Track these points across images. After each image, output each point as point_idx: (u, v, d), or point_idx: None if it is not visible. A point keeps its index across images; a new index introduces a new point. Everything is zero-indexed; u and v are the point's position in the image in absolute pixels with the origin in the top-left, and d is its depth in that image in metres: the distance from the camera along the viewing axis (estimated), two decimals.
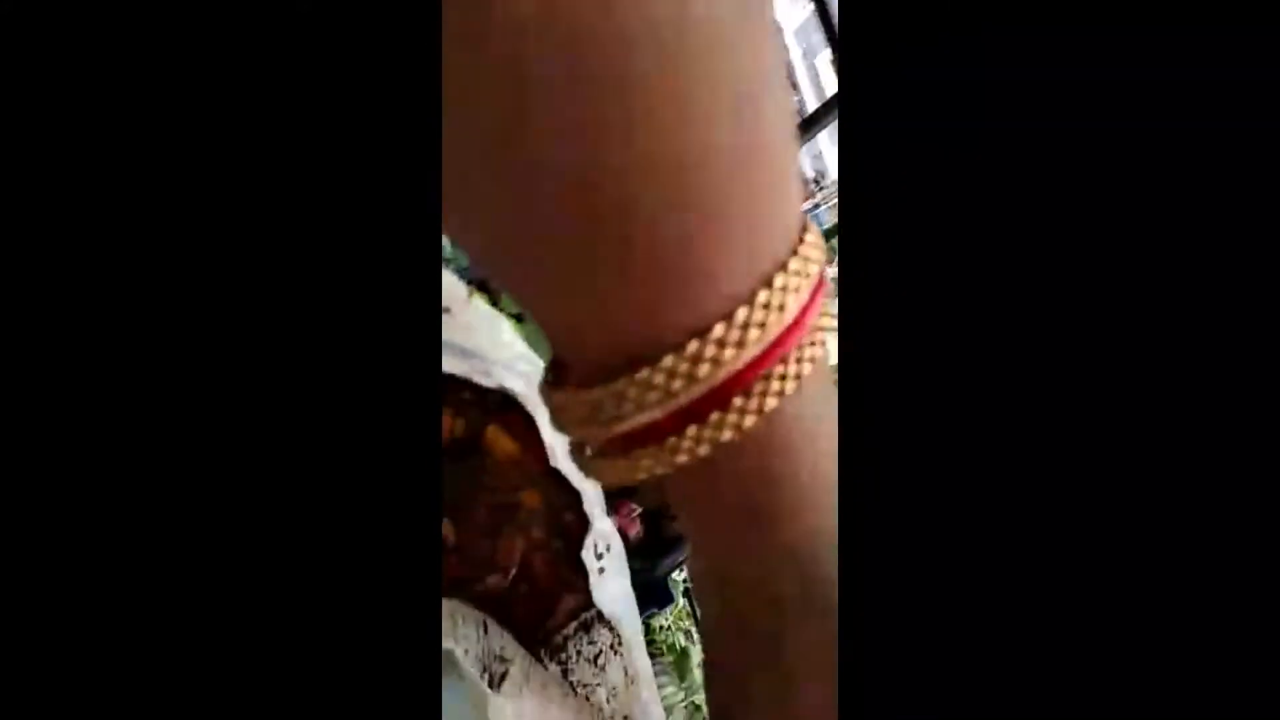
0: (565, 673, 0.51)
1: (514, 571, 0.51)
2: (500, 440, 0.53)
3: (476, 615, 0.48)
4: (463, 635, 0.46)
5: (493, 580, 0.50)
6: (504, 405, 0.53)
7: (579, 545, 0.53)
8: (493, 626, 0.48)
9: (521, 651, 0.48)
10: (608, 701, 0.50)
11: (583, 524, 0.54)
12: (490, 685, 0.45)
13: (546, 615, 0.51)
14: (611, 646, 0.52)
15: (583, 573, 0.53)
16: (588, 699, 0.50)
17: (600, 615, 0.53)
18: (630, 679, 0.49)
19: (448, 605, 0.47)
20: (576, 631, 0.53)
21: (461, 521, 0.50)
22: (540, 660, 0.51)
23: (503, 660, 0.47)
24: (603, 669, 0.51)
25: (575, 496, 0.54)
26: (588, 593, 0.53)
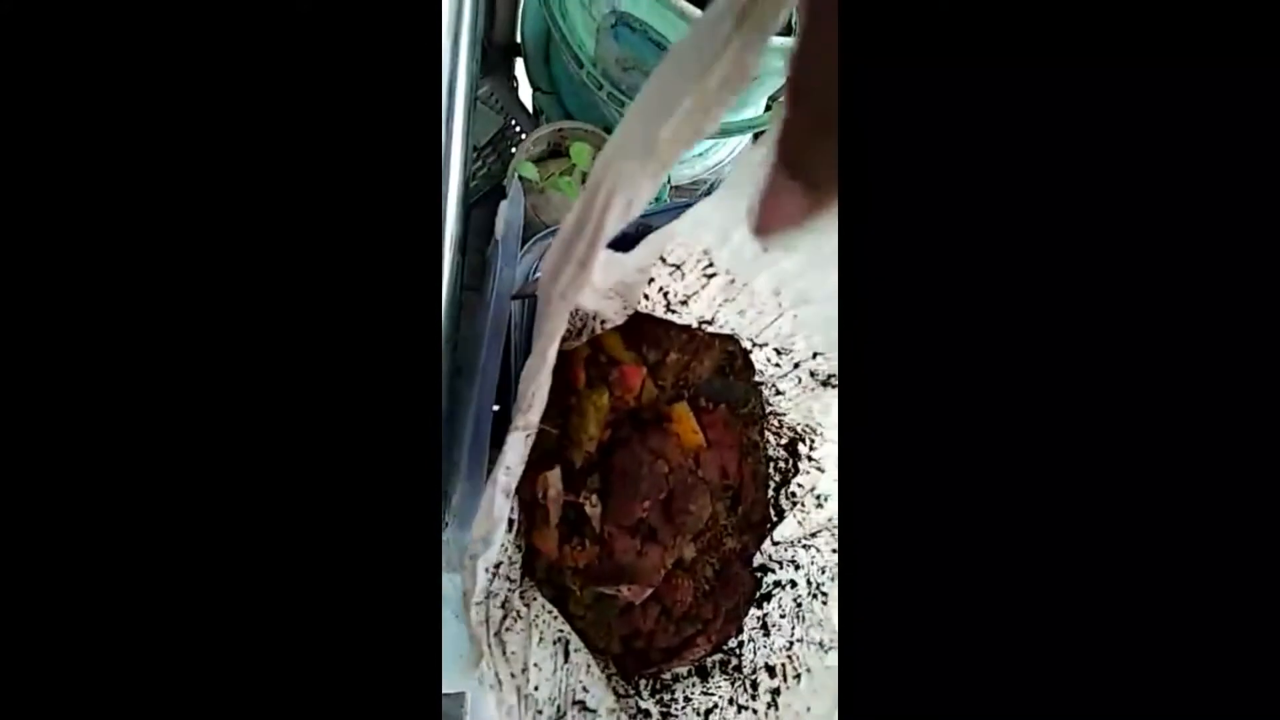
0: (665, 717, 0.41)
1: (651, 591, 0.40)
2: (686, 423, 0.41)
3: (560, 632, 0.37)
4: (535, 660, 0.35)
5: (625, 590, 0.39)
6: (715, 388, 0.40)
7: (736, 583, 0.42)
8: (579, 654, 0.38)
9: (610, 700, 0.38)
10: None
11: (747, 561, 0.42)
12: None
13: (668, 654, 0.41)
14: (733, 701, 0.41)
15: (730, 615, 0.42)
16: None
17: (726, 665, 0.42)
18: None
19: (532, 609, 0.37)
20: (690, 674, 0.42)
21: (614, 509, 0.39)
22: (635, 692, 0.41)
23: (584, 710, 0.37)
24: None
25: (760, 523, 0.42)
26: (725, 636, 0.42)
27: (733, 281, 0.28)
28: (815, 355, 0.34)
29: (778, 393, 0.39)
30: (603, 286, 0.29)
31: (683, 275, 0.28)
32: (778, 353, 0.34)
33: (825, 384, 0.37)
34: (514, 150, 0.66)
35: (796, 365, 0.36)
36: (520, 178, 0.59)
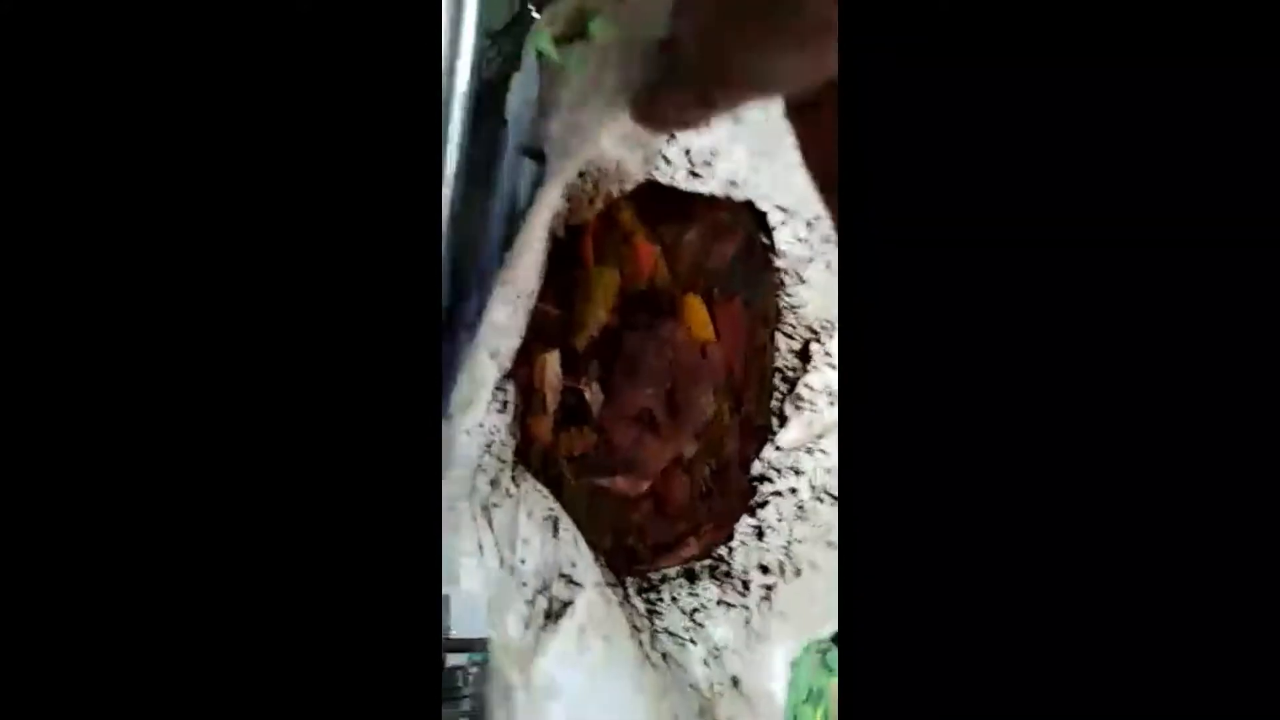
0: (651, 615, 0.40)
1: (647, 485, 0.38)
2: (698, 315, 0.39)
3: (550, 510, 0.36)
4: (523, 535, 0.34)
5: (621, 482, 0.38)
6: (732, 277, 0.38)
7: (734, 488, 0.41)
8: (568, 532, 0.36)
9: (596, 576, 0.36)
10: (705, 664, 0.38)
11: (746, 466, 0.40)
12: (546, 617, 0.34)
13: (659, 550, 0.40)
14: (721, 601, 0.40)
15: (722, 520, 0.41)
16: (665, 656, 0.38)
17: (714, 570, 0.41)
18: (748, 644, 0.36)
19: (522, 488, 0.35)
20: (679, 576, 0.41)
21: (616, 396, 0.37)
22: (621, 586, 0.40)
23: (571, 584, 0.35)
24: (701, 625, 0.40)
25: (761, 430, 0.40)
26: (715, 540, 0.41)
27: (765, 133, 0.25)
28: None
29: (800, 281, 0.37)
30: (625, 128, 0.27)
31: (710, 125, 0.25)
32: (807, 226, 0.32)
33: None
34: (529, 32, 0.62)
35: (825, 241, 0.34)
36: (537, 52, 0.55)
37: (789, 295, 0.39)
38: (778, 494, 0.40)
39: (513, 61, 0.65)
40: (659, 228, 0.36)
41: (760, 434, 0.42)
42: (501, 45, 0.71)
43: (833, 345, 0.38)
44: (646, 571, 0.41)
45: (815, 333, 0.39)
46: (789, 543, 0.37)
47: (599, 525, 0.39)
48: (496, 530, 0.31)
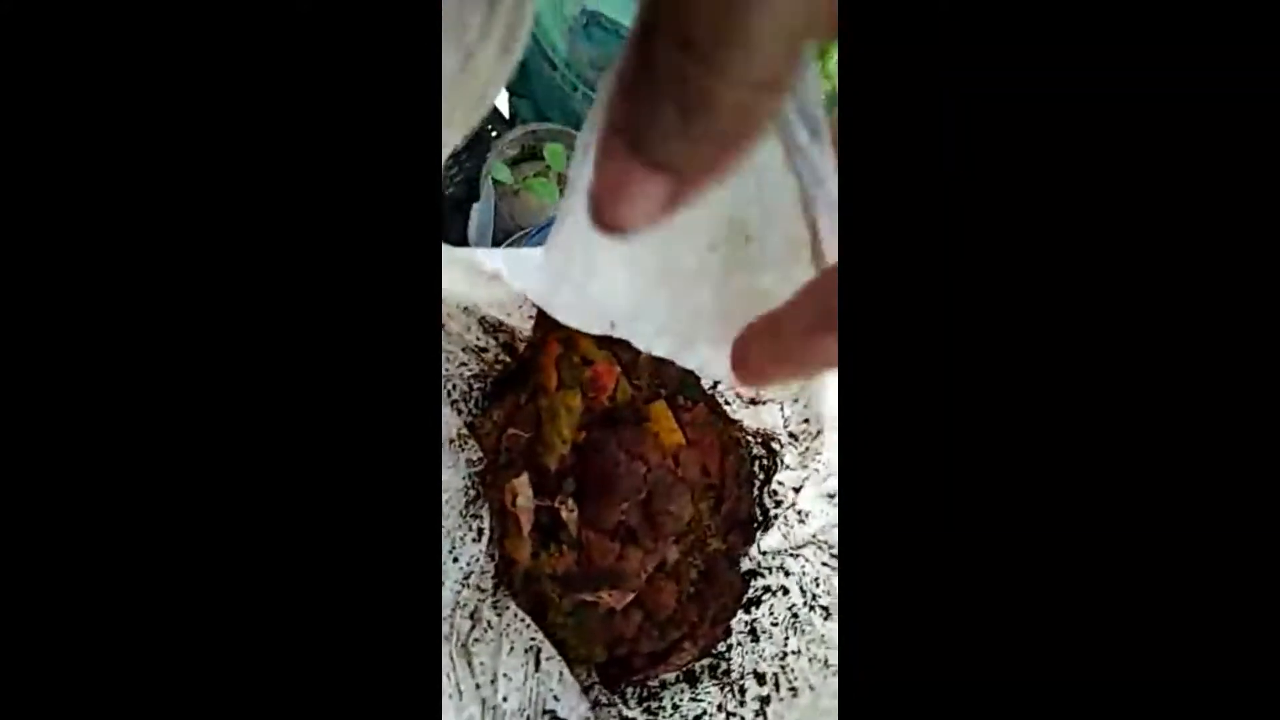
0: None
1: (633, 596, 0.39)
2: (664, 422, 0.40)
3: (532, 641, 0.36)
4: (504, 670, 0.34)
5: (606, 595, 0.38)
6: (688, 386, 0.39)
7: (723, 585, 0.41)
8: (550, 663, 0.36)
9: (584, 708, 0.36)
10: None
11: (734, 562, 0.41)
12: None
13: (653, 660, 0.40)
14: (721, 708, 0.40)
15: (716, 617, 0.41)
16: None
17: (715, 669, 0.41)
18: None
19: (504, 618, 0.35)
20: (679, 680, 0.41)
21: (591, 512, 0.38)
22: (621, 699, 0.40)
23: (555, 719, 0.35)
24: None
25: (745, 524, 0.41)
26: (712, 640, 0.41)
27: None
28: None
29: (726, 402, 0.39)
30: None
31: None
32: None
33: (751, 403, 0.37)
34: (489, 154, 0.65)
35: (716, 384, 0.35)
36: (494, 180, 0.58)
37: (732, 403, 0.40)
38: (769, 590, 0.40)
39: (473, 185, 0.68)
40: (616, 348, 0.38)
41: (745, 527, 0.43)
42: (462, 164, 0.74)
43: (783, 447, 0.39)
44: (645, 680, 0.40)
45: (768, 433, 0.40)
46: (784, 652, 0.37)
47: (590, 639, 0.39)
48: (477, 670, 0.32)
